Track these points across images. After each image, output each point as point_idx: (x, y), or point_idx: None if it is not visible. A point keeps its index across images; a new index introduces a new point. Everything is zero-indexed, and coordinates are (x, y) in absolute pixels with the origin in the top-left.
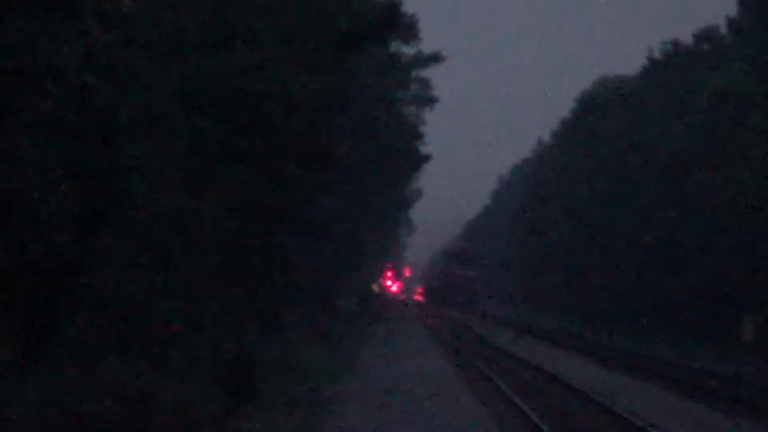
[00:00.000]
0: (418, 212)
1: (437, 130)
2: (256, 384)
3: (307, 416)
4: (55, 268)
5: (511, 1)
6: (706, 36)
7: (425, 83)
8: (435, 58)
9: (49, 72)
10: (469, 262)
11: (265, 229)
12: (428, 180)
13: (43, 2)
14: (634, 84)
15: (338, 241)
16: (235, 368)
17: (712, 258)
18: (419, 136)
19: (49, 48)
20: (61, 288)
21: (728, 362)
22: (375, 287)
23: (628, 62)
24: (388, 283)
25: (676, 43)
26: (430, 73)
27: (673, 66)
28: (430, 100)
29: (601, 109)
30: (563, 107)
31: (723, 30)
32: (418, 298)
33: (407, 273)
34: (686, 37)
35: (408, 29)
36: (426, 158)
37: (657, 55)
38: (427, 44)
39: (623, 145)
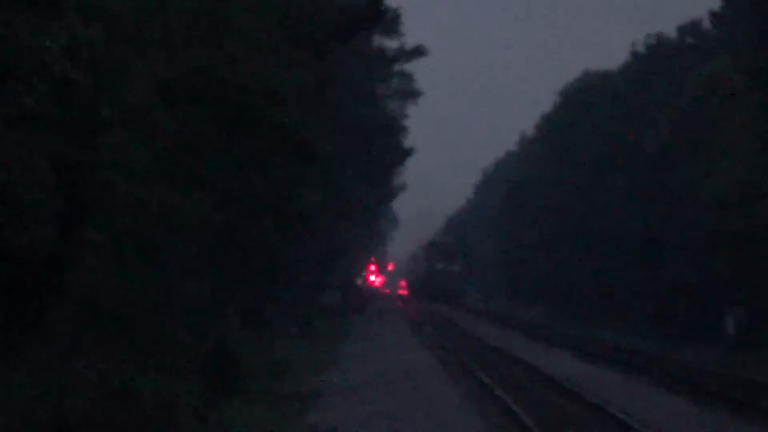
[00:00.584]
0: (401, 206)
1: (420, 123)
2: (239, 378)
3: (289, 410)
4: (39, 261)
5: None
6: (689, 30)
7: (408, 77)
8: (418, 52)
9: (32, 66)
10: (452, 256)
11: (247, 223)
12: (412, 174)
13: None
14: (618, 78)
15: (321, 235)
16: (218, 362)
17: (695, 252)
18: (402, 130)
19: (33, 42)
20: (44, 282)
21: (710, 356)
22: (358, 281)
23: (612, 56)
24: (372, 277)
25: (659, 37)
26: (413, 66)
27: (656, 60)
28: (413, 94)
29: (584, 104)
30: (548, 101)
31: (706, 24)
32: (402, 291)
33: (390, 267)
34: (670, 31)
35: (391, 23)
36: (409, 152)
37: (641, 49)
38: (410, 38)
39: (606, 140)
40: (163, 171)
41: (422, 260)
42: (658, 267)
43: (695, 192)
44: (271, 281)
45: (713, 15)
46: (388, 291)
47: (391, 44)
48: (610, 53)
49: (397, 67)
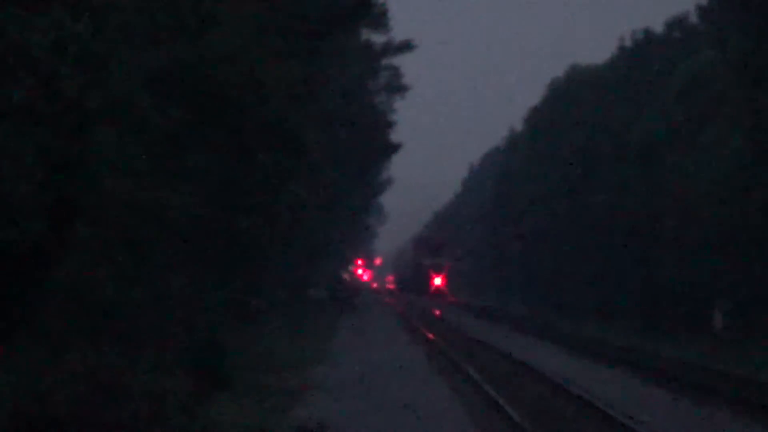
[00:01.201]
0: (389, 201)
1: (408, 118)
2: (227, 372)
3: (277, 404)
4: (26, 256)
5: None
6: (677, 24)
7: (396, 72)
8: (406, 47)
9: (20, 60)
10: (440, 250)
11: (235, 217)
12: (399, 168)
13: None
14: (605, 72)
15: (308, 230)
16: (206, 356)
17: (683, 246)
18: (390, 125)
19: (21, 37)
20: (31, 276)
21: (698, 350)
22: (346, 276)
23: (601, 51)
24: (360, 271)
25: (647, 32)
26: (401, 61)
27: (644, 54)
28: (401, 89)
29: (572, 98)
30: (536, 94)
31: (694, 18)
32: (390, 286)
33: (378, 261)
34: (657, 25)
35: (378, 18)
36: (397, 147)
37: (628, 43)
38: (398, 32)
39: (594, 133)
40: (151, 165)
41: (410, 255)
42: (646, 261)
43: (683, 186)
44: (259, 276)
45: (700, 9)
46: (376, 285)
47: (378, 39)
48: (599, 48)
49: (384, 62)
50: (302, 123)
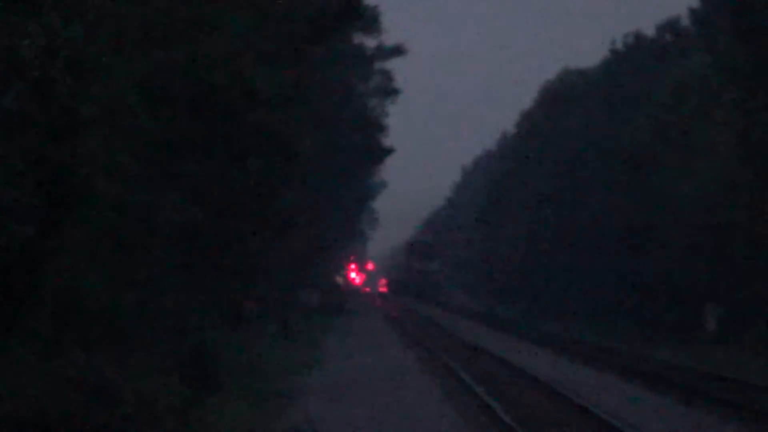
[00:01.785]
0: (381, 205)
1: (400, 122)
2: (218, 376)
3: (269, 408)
4: (17, 260)
5: None
6: (668, 27)
7: (387, 75)
8: (397, 51)
9: (11, 65)
10: (432, 254)
11: (226, 221)
12: (391, 172)
13: None
14: (597, 75)
15: (300, 234)
16: (197, 361)
17: (675, 249)
18: (382, 129)
19: (12, 41)
20: (22, 280)
21: (690, 353)
22: (339, 280)
23: (593, 55)
24: (352, 275)
25: (638, 35)
26: (393, 65)
27: (635, 58)
28: (393, 93)
29: (563, 101)
30: (528, 98)
31: (685, 21)
32: (382, 290)
33: (370, 266)
34: (649, 29)
35: (370, 21)
36: (389, 151)
37: (620, 46)
38: (390, 36)
39: (585, 137)
40: (142, 169)
41: (402, 259)
42: (638, 263)
43: (674, 188)
44: (250, 280)
45: (692, 12)
46: (368, 289)
47: (370, 43)
48: (591, 51)
49: (376, 66)
50: (294, 127)
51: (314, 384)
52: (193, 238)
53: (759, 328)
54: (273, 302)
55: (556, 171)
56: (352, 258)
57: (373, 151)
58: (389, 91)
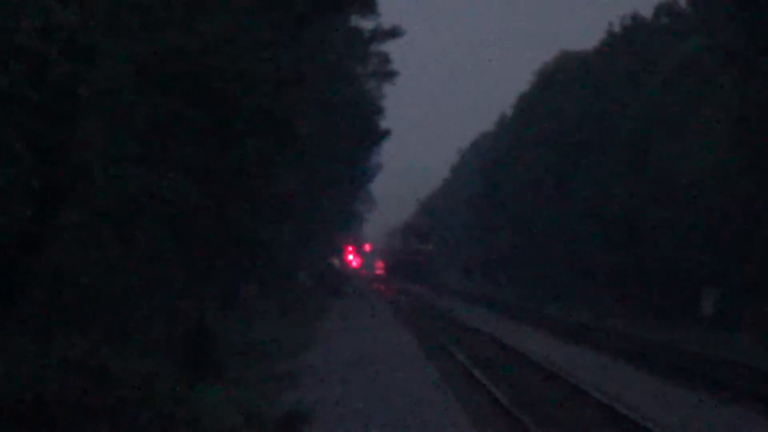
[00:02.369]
0: (378, 187)
1: (397, 104)
2: (216, 358)
3: (267, 390)
4: (14, 243)
5: None
6: (665, 10)
7: (385, 58)
8: (394, 33)
9: (7, 47)
10: (428, 236)
11: (224, 204)
12: (389, 154)
13: None
14: (594, 58)
15: (297, 216)
16: (195, 343)
17: (672, 232)
18: (379, 111)
19: (8, 23)
20: (19, 263)
21: (687, 336)
22: (336, 261)
23: (591, 37)
24: (349, 257)
25: (635, 17)
26: (390, 47)
27: (632, 40)
28: (390, 75)
29: (560, 83)
30: (526, 80)
31: (682, 3)
32: (379, 272)
33: (368, 248)
34: (646, 10)
35: (367, 3)
36: (386, 133)
37: (617, 29)
38: (386, 18)
39: (582, 119)
40: (140, 152)
41: (398, 241)
42: (635, 247)
43: (671, 172)
44: (248, 262)
45: None
46: (365, 272)
47: (367, 25)
48: (589, 33)
49: (373, 48)
50: (291, 109)
51: (313, 366)
52: (190, 220)
53: (755, 310)
54: (271, 284)
55: (553, 153)
56: (349, 240)
57: (370, 134)
58: (386, 74)
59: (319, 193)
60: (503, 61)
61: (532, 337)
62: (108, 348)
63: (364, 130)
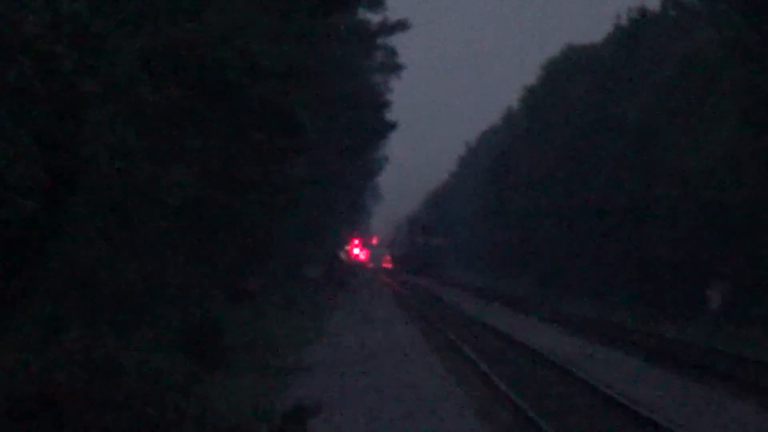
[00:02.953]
0: (385, 180)
1: (404, 97)
2: (223, 351)
3: (273, 384)
4: (22, 235)
5: None
6: (672, 2)
7: (392, 51)
8: (401, 26)
9: (15, 41)
10: (435, 230)
11: (231, 196)
12: (395, 148)
13: None
14: (601, 51)
15: (304, 209)
16: (202, 335)
17: (680, 225)
18: (386, 104)
19: (15, 16)
20: (26, 256)
21: (694, 330)
22: (342, 255)
23: (598, 29)
24: (356, 251)
25: (642, 10)
26: (397, 40)
27: (640, 32)
28: (397, 68)
29: (567, 76)
30: (533, 73)
31: None
32: (387, 266)
33: (374, 241)
34: (654, 3)
35: None
36: (392, 126)
37: (624, 21)
38: (393, 11)
39: (589, 112)
40: (146, 144)
41: (405, 235)
42: (642, 240)
43: (679, 164)
44: (255, 255)
45: None
46: (372, 265)
47: (374, 18)
48: (597, 26)
49: (380, 41)
50: (298, 102)
51: (320, 359)
52: (197, 213)
53: (764, 304)
54: (278, 277)
55: (561, 146)
56: (356, 233)
57: (377, 127)
58: (393, 67)
59: (325, 186)
60: (510, 55)
61: (541, 331)
62: (115, 341)
63: (371, 124)
